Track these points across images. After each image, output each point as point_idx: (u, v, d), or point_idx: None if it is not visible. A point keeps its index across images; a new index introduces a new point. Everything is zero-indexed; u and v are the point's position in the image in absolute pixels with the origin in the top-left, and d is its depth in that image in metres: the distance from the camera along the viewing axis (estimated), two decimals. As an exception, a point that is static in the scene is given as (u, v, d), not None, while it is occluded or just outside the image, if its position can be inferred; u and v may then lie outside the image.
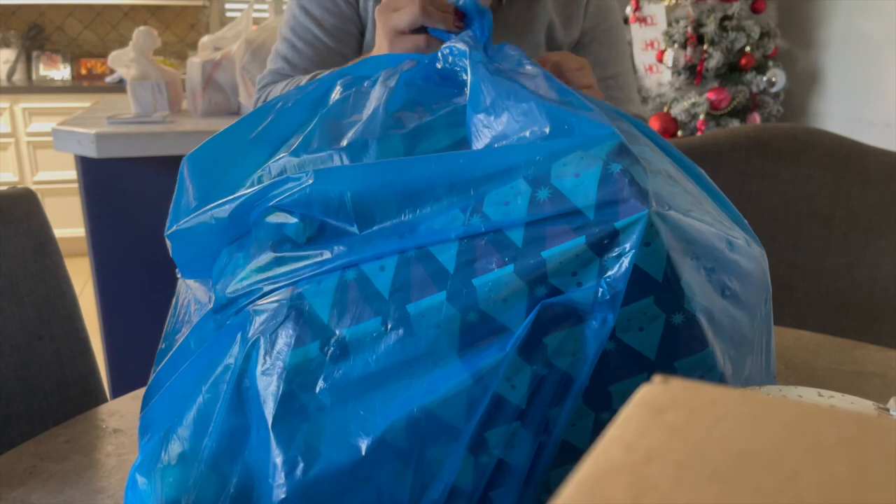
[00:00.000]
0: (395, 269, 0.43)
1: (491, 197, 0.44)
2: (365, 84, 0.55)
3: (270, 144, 0.54)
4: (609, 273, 0.41)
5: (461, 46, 0.55)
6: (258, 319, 0.45)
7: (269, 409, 0.42)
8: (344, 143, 0.50)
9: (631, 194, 0.41)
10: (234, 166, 0.53)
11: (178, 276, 0.56)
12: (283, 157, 0.51)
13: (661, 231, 0.41)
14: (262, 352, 0.44)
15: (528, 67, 0.54)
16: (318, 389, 0.42)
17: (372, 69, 0.57)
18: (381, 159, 0.50)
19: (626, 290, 0.41)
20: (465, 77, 0.53)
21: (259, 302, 0.45)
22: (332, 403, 0.42)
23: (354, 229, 0.46)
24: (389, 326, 0.42)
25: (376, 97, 0.53)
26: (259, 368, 0.43)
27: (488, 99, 0.49)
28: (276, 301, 0.45)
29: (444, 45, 0.57)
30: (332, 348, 0.42)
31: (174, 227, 0.53)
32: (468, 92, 0.51)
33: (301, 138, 0.52)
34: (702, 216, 0.45)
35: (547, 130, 0.46)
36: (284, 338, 0.43)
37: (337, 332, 0.43)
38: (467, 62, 0.53)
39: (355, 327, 0.42)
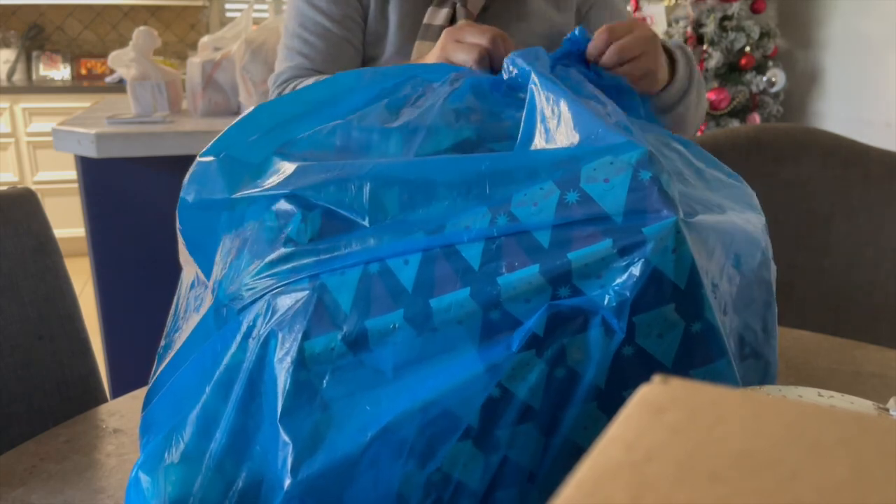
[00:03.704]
0: (419, 263, 0.44)
1: (519, 197, 0.44)
2: (435, 84, 0.57)
3: (332, 115, 0.55)
4: (632, 277, 0.41)
5: (523, 63, 0.56)
6: (277, 311, 0.45)
7: (283, 399, 0.43)
8: (396, 123, 0.52)
9: (660, 202, 0.42)
10: (292, 123, 0.55)
11: (180, 243, 0.56)
12: (337, 123, 0.53)
13: (688, 239, 0.41)
14: (280, 342, 0.44)
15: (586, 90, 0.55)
16: (333, 380, 0.43)
17: (442, 74, 0.59)
18: (384, 156, 0.51)
19: (648, 295, 0.41)
20: (530, 86, 0.54)
21: (278, 294, 0.45)
22: (345, 395, 0.42)
23: (365, 223, 0.46)
24: (411, 320, 0.42)
25: (438, 93, 0.55)
26: (277, 358, 0.44)
27: (546, 110, 0.50)
28: (297, 292, 0.45)
29: (510, 57, 0.57)
30: (352, 338, 0.43)
31: (216, 151, 0.54)
32: (532, 102, 0.52)
33: (359, 114, 0.54)
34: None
35: (576, 140, 0.47)
36: (306, 327, 0.43)
37: (359, 322, 0.43)
38: (533, 76, 0.53)
39: (377, 319, 0.43)
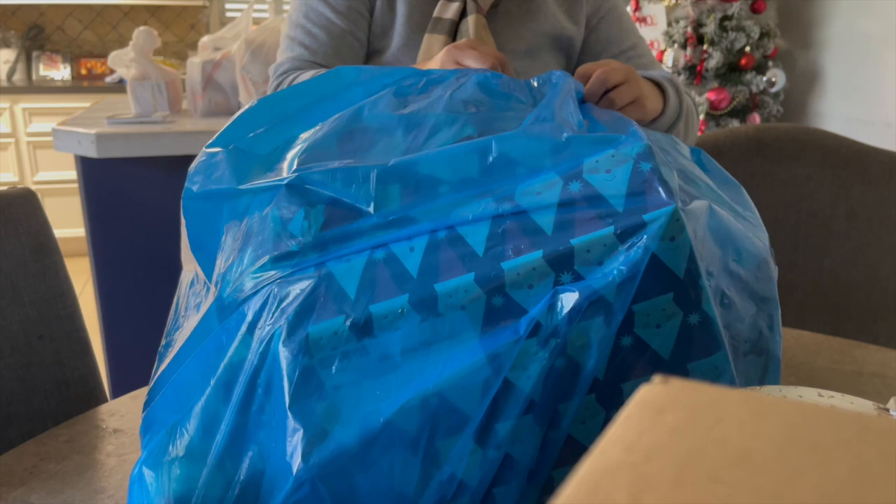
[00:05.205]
0: (424, 250, 0.45)
1: (523, 187, 0.46)
2: (442, 83, 0.59)
3: (333, 109, 0.56)
4: (633, 261, 0.42)
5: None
6: (282, 299, 0.45)
7: (291, 386, 0.43)
8: (405, 111, 0.54)
9: (660, 190, 0.43)
10: (295, 117, 0.56)
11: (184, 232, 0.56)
12: (347, 112, 0.54)
13: (687, 227, 0.42)
14: (286, 330, 0.44)
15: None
16: (338, 366, 0.43)
17: (444, 78, 0.60)
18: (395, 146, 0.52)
19: (647, 284, 0.42)
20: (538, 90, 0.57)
21: (283, 283, 0.46)
22: (351, 381, 0.43)
23: (370, 209, 0.47)
24: (416, 304, 0.43)
25: (444, 86, 0.57)
26: (283, 346, 0.44)
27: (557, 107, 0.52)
28: (303, 280, 0.45)
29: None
30: (357, 323, 0.43)
31: (223, 142, 0.55)
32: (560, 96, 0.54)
33: (369, 101, 0.56)
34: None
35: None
36: (312, 314, 0.44)
37: (363, 307, 0.43)
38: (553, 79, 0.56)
39: (382, 304, 0.43)
